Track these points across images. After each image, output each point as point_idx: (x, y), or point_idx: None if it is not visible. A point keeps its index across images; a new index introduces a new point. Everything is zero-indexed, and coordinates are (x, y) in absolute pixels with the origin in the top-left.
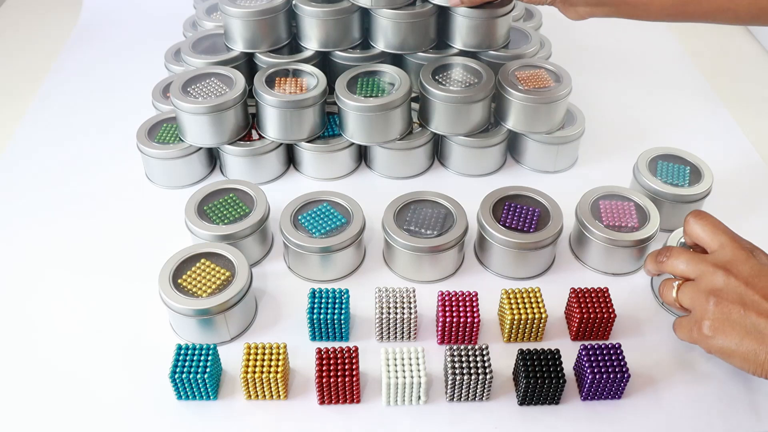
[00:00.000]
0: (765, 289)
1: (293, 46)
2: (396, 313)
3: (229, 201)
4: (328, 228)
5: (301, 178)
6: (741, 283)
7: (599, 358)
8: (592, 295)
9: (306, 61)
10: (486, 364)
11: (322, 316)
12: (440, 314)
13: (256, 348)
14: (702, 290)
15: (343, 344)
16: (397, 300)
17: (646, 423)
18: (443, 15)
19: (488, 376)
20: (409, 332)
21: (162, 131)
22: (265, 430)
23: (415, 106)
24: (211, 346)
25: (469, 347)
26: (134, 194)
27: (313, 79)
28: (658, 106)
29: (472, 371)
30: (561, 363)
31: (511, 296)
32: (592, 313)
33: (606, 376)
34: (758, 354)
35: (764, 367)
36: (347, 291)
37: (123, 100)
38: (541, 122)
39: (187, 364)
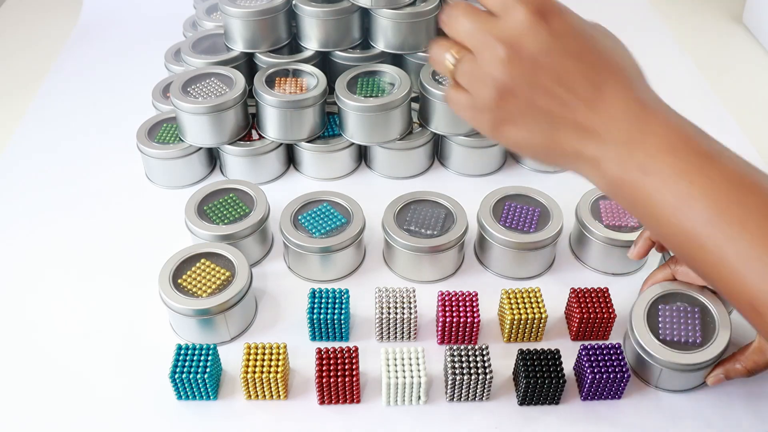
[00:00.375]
0: (556, 68)
1: (293, 46)
2: (396, 313)
3: (229, 201)
4: (328, 228)
5: (301, 178)
6: (528, 67)
7: (599, 358)
8: (592, 295)
9: (306, 61)
10: (486, 364)
11: (322, 316)
12: (440, 314)
13: (256, 348)
14: (482, 74)
15: (343, 344)
16: (397, 300)
17: (646, 423)
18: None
19: (488, 376)
20: (409, 332)
21: (162, 131)
22: (265, 430)
23: (415, 106)
24: (211, 346)
25: (469, 347)
26: (134, 194)
27: (313, 79)
28: None
29: (472, 371)
30: (561, 363)
31: (511, 296)
32: (592, 313)
33: (606, 376)
34: (551, 149)
35: (558, 162)
36: (347, 291)
37: (123, 100)
38: None
39: (187, 364)
